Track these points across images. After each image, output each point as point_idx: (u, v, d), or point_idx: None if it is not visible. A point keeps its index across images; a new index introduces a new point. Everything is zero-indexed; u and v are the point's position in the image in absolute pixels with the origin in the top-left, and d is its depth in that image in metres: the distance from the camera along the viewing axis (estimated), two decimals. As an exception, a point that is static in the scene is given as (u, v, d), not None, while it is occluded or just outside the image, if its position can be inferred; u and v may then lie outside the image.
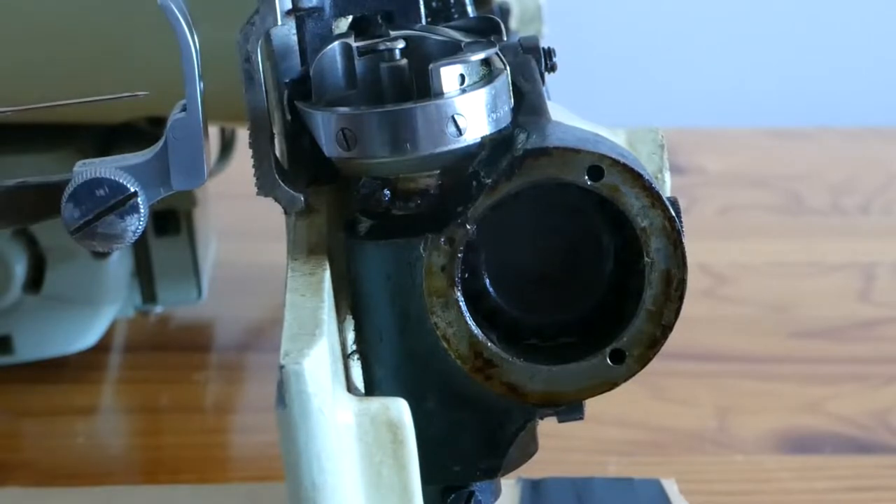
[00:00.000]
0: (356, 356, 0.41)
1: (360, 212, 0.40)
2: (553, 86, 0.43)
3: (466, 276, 0.39)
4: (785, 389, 0.67)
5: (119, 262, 0.66)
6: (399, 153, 0.38)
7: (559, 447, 0.58)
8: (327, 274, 0.39)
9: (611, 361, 0.39)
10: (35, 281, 0.65)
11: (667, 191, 0.43)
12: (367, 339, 0.40)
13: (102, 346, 0.68)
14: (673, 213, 0.38)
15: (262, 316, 0.74)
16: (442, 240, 0.38)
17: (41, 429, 0.65)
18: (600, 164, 0.38)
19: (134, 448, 0.65)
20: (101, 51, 0.56)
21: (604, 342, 0.39)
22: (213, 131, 0.68)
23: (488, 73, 0.39)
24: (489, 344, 0.39)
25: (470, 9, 0.47)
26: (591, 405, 0.40)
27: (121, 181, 0.39)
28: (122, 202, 0.39)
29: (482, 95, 0.38)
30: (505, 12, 0.59)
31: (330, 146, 0.39)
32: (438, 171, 0.39)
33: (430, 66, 0.38)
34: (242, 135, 0.52)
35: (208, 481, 0.61)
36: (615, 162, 0.38)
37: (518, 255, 0.39)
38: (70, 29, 0.56)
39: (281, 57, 0.40)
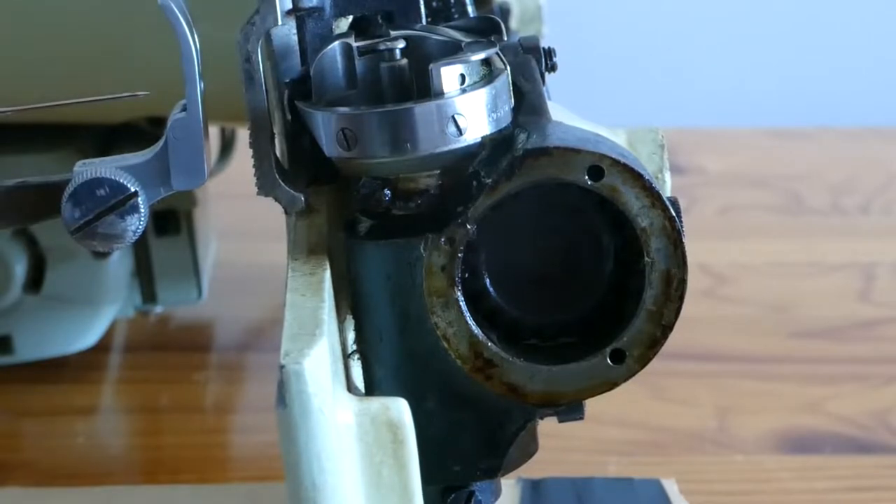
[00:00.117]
0: (356, 356, 0.41)
1: (360, 212, 0.40)
2: (553, 86, 0.43)
3: (466, 275, 0.39)
4: (785, 389, 0.67)
5: (119, 262, 0.66)
6: (399, 153, 0.38)
7: (559, 447, 0.58)
8: (327, 274, 0.39)
9: (611, 361, 0.39)
10: (35, 281, 0.65)
11: (667, 191, 0.43)
12: (367, 339, 0.40)
13: (102, 346, 0.68)
14: (673, 213, 0.38)
15: (262, 316, 0.74)
16: (442, 240, 0.38)
17: (41, 429, 0.65)
18: (600, 164, 0.38)
19: (134, 448, 0.65)
20: (101, 51, 0.56)
21: (604, 342, 0.39)
22: (213, 131, 0.68)
23: (489, 73, 0.39)
24: (489, 344, 0.39)
25: (470, 9, 0.47)
26: (591, 405, 0.40)
27: (121, 181, 0.39)
28: (122, 202, 0.39)
29: (482, 95, 0.38)
30: (505, 12, 0.59)
31: (330, 146, 0.39)
32: (439, 171, 0.39)
33: (431, 65, 0.38)
34: (242, 135, 0.52)
35: (208, 481, 0.61)
36: (615, 162, 0.38)
37: (518, 255, 0.39)
38: (70, 29, 0.56)
39: (281, 57, 0.40)
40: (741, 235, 0.83)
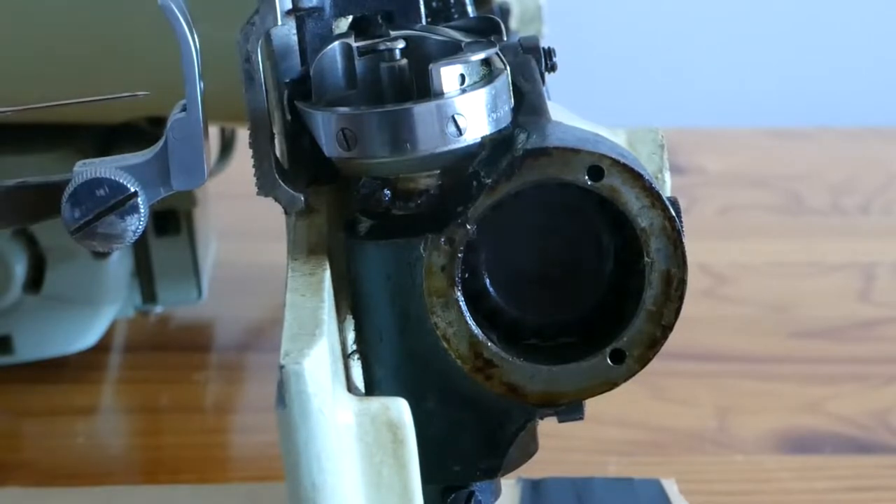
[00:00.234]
0: (356, 356, 0.41)
1: (360, 212, 0.40)
2: (553, 86, 0.43)
3: (466, 276, 0.39)
4: (785, 389, 0.67)
5: (119, 262, 0.66)
6: (399, 153, 0.38)
7: (559, 447, 0.58)
8: (327, 274, 0.39)
9: (611, 361, 0.39)
10: (35, 281, 0.65)
11: (667, 191, 0.43)
12: (367, 339, 0.40)
13: (102, 346, 0.68)
14: (673, 213, 0.38)
15: (262, 316, 0.74)
16: (442, 240, 0.38)
17: (41, 429, 0.65)
18: (600, 164, 0.38)
19: (134, 448, 0.65)
20: (101, 51, 0.56)
21: (604, 342, 0.39)
22: (213, 131, 0.68)
23: (488, 73, 0.39)
24: (489, 344, 0.39)
25: (470, 9, 0.47)
26: (590, 405, 0.40)
27: (121, 181, 0.39)
28: (122, 202, 0.39)
29: (482, 95, 0.38)
30: (505, 12, 0.59)
31: (330, 146, 0.39)
32: (438, 171, 0.39)
33: (431, 66, 0.38)
34: (242, 135, 0.52)
35: (208, 481, 0.61)
36: (615, 162, 0.38)
37: (518, 255, 0.39)
38: (70, 29, 0.56)
39: (281, 57, 0.40)
40: (741, 235, 0.83)
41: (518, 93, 0.40)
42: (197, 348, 0.71)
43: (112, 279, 0.65)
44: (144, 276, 0.67)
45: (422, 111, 0.38)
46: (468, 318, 0.39)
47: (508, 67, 0.39)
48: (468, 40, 0.39)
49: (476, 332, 0.39)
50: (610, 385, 0.39)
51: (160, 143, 0.39)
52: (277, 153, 0.40)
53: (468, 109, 0.38)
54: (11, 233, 0.63)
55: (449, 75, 0.38)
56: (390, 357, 0.40)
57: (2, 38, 0.56)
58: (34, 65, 0.57)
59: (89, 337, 0.66)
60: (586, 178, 0.38)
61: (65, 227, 0.39)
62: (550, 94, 0.42)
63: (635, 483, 0.57)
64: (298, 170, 0.40)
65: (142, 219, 0.39)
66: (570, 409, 0.40)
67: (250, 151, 0.40)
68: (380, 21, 0.41)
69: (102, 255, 0.64)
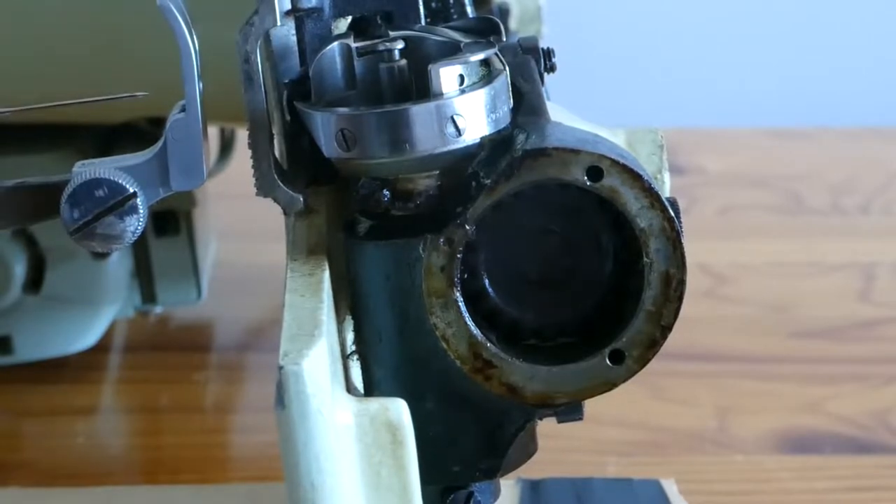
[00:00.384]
0: (355, 356, 0.41)
1: (359, 212, 0.40)
2: (553, 86, 0.43)
3: (466, 276, 0.39)
4: (785, 389, 0.67)
5: (119, 263, 0.66)
6: (398, 153, 0.38)
7: (559, 447, 0.58)
8: (326, 274, 0.39)
9: (610, 362, 0.39)
10: (35, 281, 0.65)
11: (666, 191, 0.43)
12: (366, 340, 0.40)
13: (102, 346, 0.68)
14: (672, 214, 0.38)
15: (262, 316, 0.74)
16: (441, 240, 0.38)
17: (41, 429, 0.65)
18: (599, 165, 0.38)
19: (134, 448, 0.65)
20: (101, 51, 0.56)
21: (603, 343, 0.39)
22: (213, 131, 0.68)
23: (487, 74, 0.39)
24: (488, 344, 0.39)
25: (469, 9, 0.47)
26: (590, 405, 0.40)
27: (120, 182, 0.39)
28: (121, 203, 0.39)
29: (481, 96, 0.38)
30: (504, 13, 0.59)
31: (329, 146, 0.39)
32: (438, 172, 0.39)
33: (430, 66, 0.38)
34: (242, 135, 0.52)
35: (208, 481, 0.61)
36: (614, 162, 0.38)
37: (517, 256, 0.39)
38: (70, 29, 0.56)
39: (280, 57, 0.40)
40: (741, 235, 0.83)
41: (517, 93, 0.40)
42: (197, 348, 0.71)
43: (112, 279, 0.65)
44: (144, 276, 0.67)
45: (421, 112, 0.38)
46: (467, 319, 0.39)
47: (507, 68, 0.39)
48: (467, 41, 0.39)
49: (475, 332, 0.39)
50: (609, 385, 0.39)
51: (159, 143, 0.39)
52: (277, 154, 0.40)
53: (467, 110, 0.38)
54: (11, 233, 0.63)
55: (448, 76, 0.38)
56: (389, 358, 0.40)
57: (2, 38, 0.56)
58: (34, 65, 0.57)
59: (89, 337, 0.66)
60: (585, 178, 0.38)
61: (64, 228, 0.39)
62: (550, 95, 0.42)
63: (635, 483, 0.57)
64: (298, 170, 0.40)
65: (141, 219, 0.39)
66: (569, 410, 0.40)
67: (249, 152, 0.40)
68: (379, 21, 0.41)
69: (102, 256, 0.64)
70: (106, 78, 0.57)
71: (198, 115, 0.39)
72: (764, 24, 1.25)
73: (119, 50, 0.56)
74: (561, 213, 0.39)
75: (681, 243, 0.38)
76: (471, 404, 0.40)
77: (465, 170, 0.38)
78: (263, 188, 0.40)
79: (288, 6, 0.39)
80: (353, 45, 0.39)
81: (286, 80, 0.40)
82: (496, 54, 0.39)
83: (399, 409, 0.37)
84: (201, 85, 0.39)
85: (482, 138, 0.38)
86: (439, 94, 0.38)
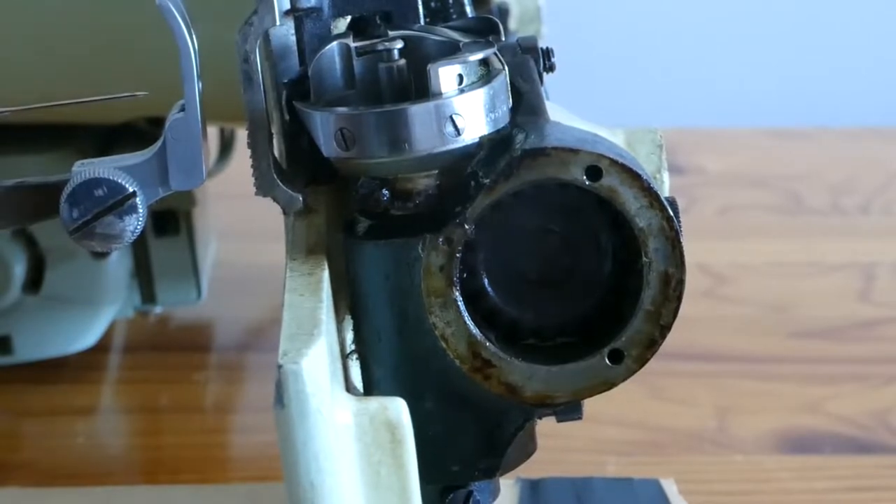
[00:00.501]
0: (355, 356, 0.41)
1: (358, 212, 0.40)
2: (552, 86, 0.43)
3: (465, 276, 0.39)
4: (785, 389, 0.67)
5: (118, 263, 0.66)
6: (397, 153, 0.38)
7: (558, 447, 0.58)
8: (326, 274, 0.39)
9: (609, 361, 0.39)
10: (35, 281, 0.65)
11: (665, 191, 0.43)
12: (365, 339, 0.40)
13: (102, 346, 0.68)
14: (671, 214, 0.38)
15: (262, 316, 0.74)
16: (440, 240, 0.38)
17: (41, 429, 0.65)
18: (598, 164, 0.38)
19: (134, 448, 0.66)
20: (101, 51, 0.56)
21: (602, 342, 0.39)
22: (213, 131, 0.68)
23: (487, 74, 0.39)
24: (488, 344, 0.39)
25: (468, 9, 0.47)
26: (589, 405, 0.40)
27: (119, 181, 0.39)
28: (120, 202, 0.39)
29: (480, 95, 0.38)
30: (504, 12, 0.59)
31: (328, 146, 0.39)
32: (437, 171, 0.39)
33: (429, 66, 0.38)
34: (242, 135, 0.52)
35: (208, 481, 0.61)
36: (613, 162, 0.38)
37: (516, 255, 0.39)
38: (70, 29, 0.56)
39: (279, 57, 0.40)
40: (741, 235, 0.83)
41: (516, 93, 0.40)
42: (197, 348, 0.71)
43: (111, 279, 0.65)
44: (144, 276, 0.67)
45: (420, 111, 0.38)
46: (466, 318, 0.39)
47: (507, 68, 0.39)
48: (466, 40, 0.39)
49: (474, 331, 0.39)
50: (608, 385, 0.39)
51: (159, 143, 0.39)
52: (276, 153, 0.40)
53: (466, 109, 0.38)
54: (11, 233, 0.63)
55: (447, 75, 0.38)
56: (389, 357, 0.40)
57: (2, 38, 0.56)
58: (34, 65, 0.57)
59: (89, 337, 0.66)
60: (584, 178, 0.38)
61: (63, 228, 0.39)
62: (549, 95, 0.42)
63: (634, 483, 0.57)
64: (297, 170, 0.40)
65: (140, 219, 0.39)
66: (568, 409, 0.40)
67: (249, 151, 0.40)
68: (378, 21, 0.41)
69: (101, 256, 0.64)
70: (106, 78, 0.57)
71: (197, 114, 0.39)
72: (764, 24, 1.25)
73: (119, 50, 0.56)
74: (560, 213, 0.39)
75: (680, 243, 0.38)
76: (470, 404, 0.40)
77: (464, 169, 0.38)
78: (263, 188, 0.40)
79: (287, 6, 0.39)
80: (353, 44, 0.39)
81: (285, 80, 0.40)
82: (495, 54, 0.39)
83: (398, 409, 0.37)
84: (201, 85, 0.39)
85: (481, 138, 0.38)
86: (438, 94, 0.38)
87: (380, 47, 0.39)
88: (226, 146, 0.71)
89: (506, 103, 0.39)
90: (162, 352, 0.71)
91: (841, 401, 0.65)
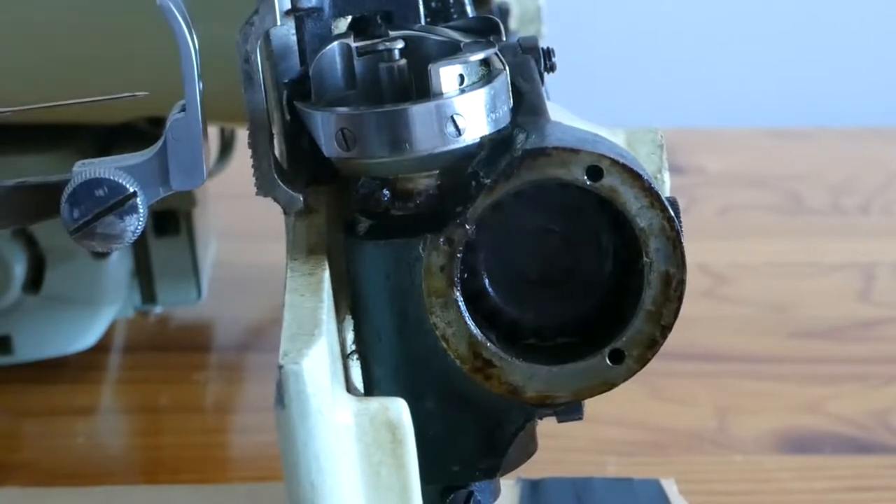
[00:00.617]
0: (355, 356, 0.41)
1: (359, 212, 0.40)
2: (553, 86, 0.43)
3: (465, 276, 0.39)
4: (785, 389, 0.67)
5: (119, 263, 0.66)
6: (398, 153, 0.38)
7: (559, 447, 0.58)
8: (326, 274, 0.39)
9: (610, 361, 0.39)
10: (35, 281, 0.65)
11: (666, 191, 0.43)
12: (366, 339, 0.40)
13: (102, 346, 0.68)
14: (672, 214, 0.38)
15: (262, 316, 0.74)
16: (441, 240, 0.38)
17: (41, 429, 0.65)
18: (599, 164, 0.38)
19: (134, 448, 0.66)
20: (101, 51, 0.56)
21: (603, 342, 0.39)
22: (213, 131, 0.68)
23: (487, 74, 0.39)
24: (488, 344, 0.39)
25: (469, 9, 0.47)
26: (590, 405, 0.40)
27: (120, 181, 0.39)
28: (121, 202, 0.39)
29: (481, 95, 0.38)
30: (504, 12, 0.59)
31: (329, 146, 0.39)
32: (437, 172, 0.39)
33: (430, 66, 0.38)
34: (242, 135, 0.52)
35: (208, 481, 0.61)
36: (614, 162, 0.38)
37: (517, 256, 0.39)
38: (70, 29, 0.56)
39: (280, 57, 0.40)
40: (741, 235, 0.83)
41: (517, 93, 0.40)
42: (197, 348, 0.71)
43: (112, 279, 0.65)
44: (144, 276, 0.67)
45: (421, 111, 0.38)
46: (467, 319, 0.39)
47: (507, 67, 0.39)
48: (467, 40, 0.39)
49: (475, 332, 0.39)
50: (609, 385, 0.39)
51: (159, 143, 0.39)
52: (277, 153, 0.40)
53: (467, 109, 0.38)
54: (11, 233, 0.63)
55: (448, 75, 0.38)
56: (389, 357, 0.40)
57: (2, 38, 0.56)
58: (34, 65, 0.57)
59: (89, 337, 0.66)
60: (585, 178, 0.38)
61: (64, 228, 0.39)
62: (550, 95, 0.42)
63: (635, 483, 0.57)
64: (298, 170, 0.40)
65: (141, 219, 0.39)
66: (569, 410, 0.40)
67: (249, 151, 0.40)
68: (379, 21, 0.41)
69: (102, 256, 0.64)
70: (106, 78, 0.57)
71: (198, 114, 0.39)
72: (764, 24, 1.25)
73: (119, 50, 0.56)
74: (561, 213, 0.39)
75: (681, 243, 0.38)
76: (471, 404, 0.40)
77: (464, 169, 0.38)
78: (263, 188, 0.40)
79: (288, 6, 0.39)
80: (353, 44, 0.39)
81: (286, 80, 0.40)
82: (496, 54, 0.39)
83: (399, 409, 0.37)
84: (201, 85, 0.39)
85: (482, 138, 0.38)
86: (439, 94, 0.38)
87: (381, 47, 0.39)
88: (226, 146, 0.71)
89: (507, 103, 0.39)
90: (162, 352, 0.71)
91: (841, 401, 0.65)
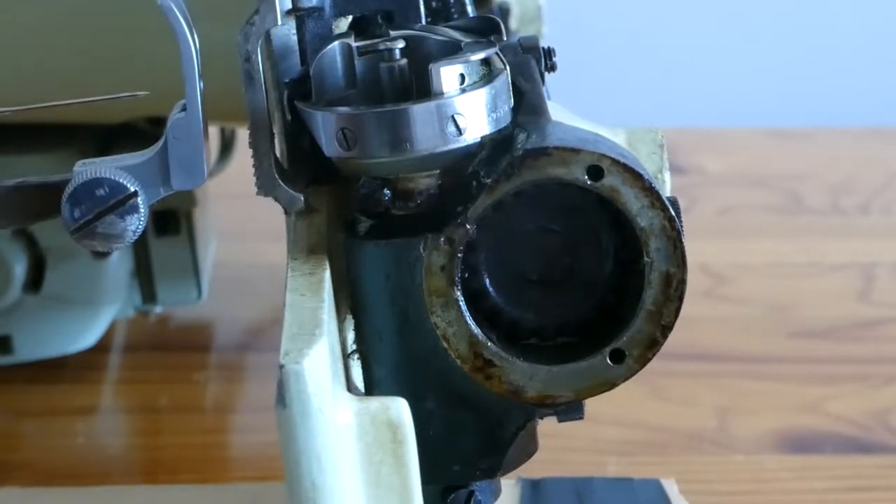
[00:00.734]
0: (356, 356, 0.41)
1: (359, 212, 0.40)
2: (553, 86, 0.43)
3: (466, 275, 0.39)
4: (785, 389, 0.67)
5: (119, 262, 0.66)
6: (399, 153, 0.38)
7: (559, 447, 0.58)
8: (327, 274, 0.39)
9: (610, 361, 0.39)
10: (35, 281, 0.65)
11: (666, 191, 0.43)
12: (366, 339, 0.40)
13: (102, 346, 0.68)
14: (673, 213, 0.38)
15: (262, 316, 0.74)
16: (442, 240, 0.38)
17: (41, 429, 0.65)
18: (600, 164, 0.38)
19: (134, 448, 0.66)
20: (102, 51, 0.56)
21: (603, 342, 0.39)
22: (213, 131, 0.68)
23: (488, 73, 0.39)
24: (489, 344, 0.39)
25: (470, 9, 0.47)
26: (590, 405, 0.40)
27: (121, 181, 0.39)
28: (121, 202, 0.39)
29: (482, 95, 0.38)
30: (505, 12, 0.59)
31: (330, 146, 0.39)
32: (438, 171, 0.39)
33: (430, 65, 0.38)
34: (242, 135, 0.52)
35: (208, 481, 0.61)
36: (615, 162, 0.38)
37: (518, 255, 0.39)
38: (70, 29, 0.56)
39: (281, 57, 0.40)
40: (741, 235, 0.83)
41: (518, 93, 0.40)
42: (197, 348, 0.71)
43: (112, 279, 0.65)
44: (144, 276, 0.67)
45: (421, 111, 0.38)
46: (468, 318, 0.39)
47: (508, 67, 0.39)
48: (468, 40, 0.39)
49: (476, 331, 0.39)
50: (609, 385, 0.39)
51: (160, 142, 0.39)
52: (277, 153, 0.40)
53: (468, 109, 0.38)
54: (11, 233, 0.63)
55: (449, 75, 0.38)
56: (390, 357, 0.40)
57: (2, 38, 0.56)
58: (34, 65, 0.57)
59: (89, 337, 0.66)
60: (586, 177, 0.38)
61: (64, 227, 0.39)
62: (550, 94, 0.42)
63: (635, 483, 0.57)
64: (298, 170, 0.40)
65: (141, 219, 0.39)
66: (569, 409, 0.40)
67: (250, 151, 0.40)
68: (379, 21, 0.41)
69: (102, 255, 0.64)
70: (106, 78, 0.57)
71: (198, 114, 0.39)
72: (764, 25, 1.25)
73: (120, 50, 0.56)
74: (561, 213, 0.39)
75: (681, 242, 0.38)
76: (471, 403, 0.40)
77: (465, 169, 0.38)
78: (264, 187, 0.40)
79: (289, 5, 0.39)
80: (354, 44, 0.39)
81: (287, 80, 0.40)
82: (497, 54, 0.39)
83: (400, 409, 0.37)
84: (202, 84, 0.39)
85: (483, 137, 0.38)
86: (440, 94, 0.38)
87: (381, 47, 0.39)
88: (226, 146, 0.71)
89: (507, 103, 0.39)
90: (162, 352, 0.71)
91: (841, 401, 0.65)
